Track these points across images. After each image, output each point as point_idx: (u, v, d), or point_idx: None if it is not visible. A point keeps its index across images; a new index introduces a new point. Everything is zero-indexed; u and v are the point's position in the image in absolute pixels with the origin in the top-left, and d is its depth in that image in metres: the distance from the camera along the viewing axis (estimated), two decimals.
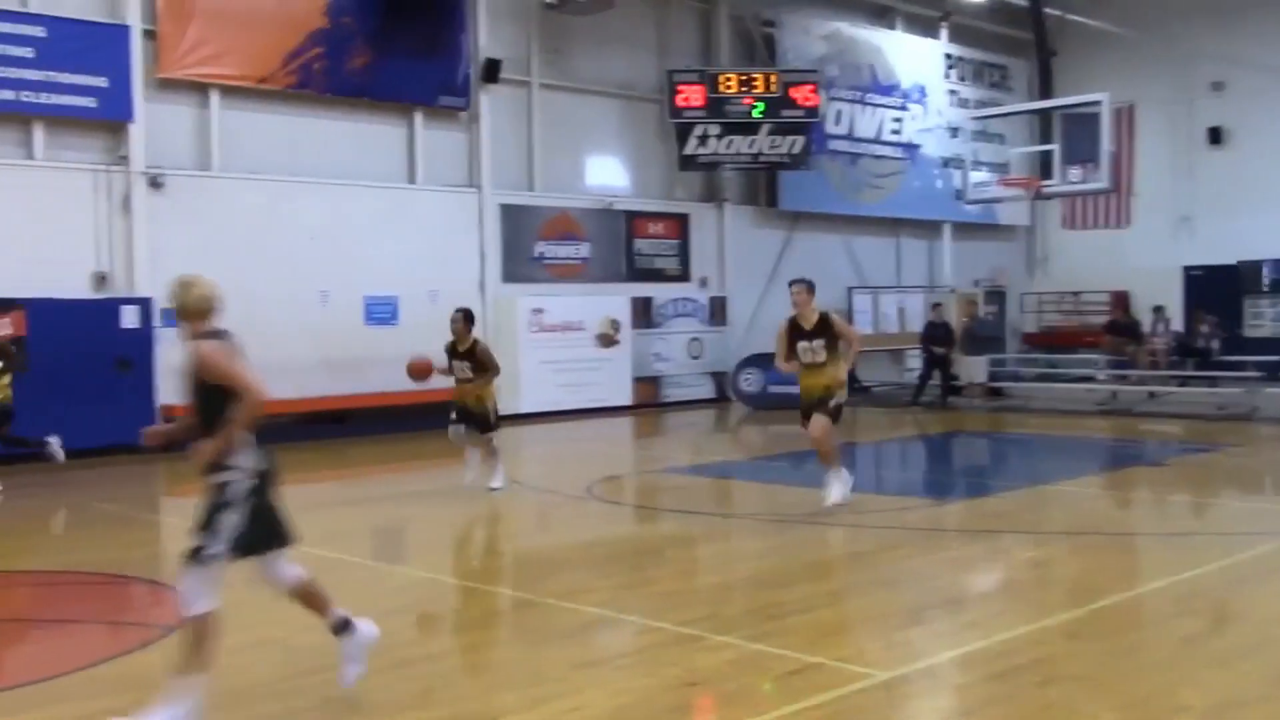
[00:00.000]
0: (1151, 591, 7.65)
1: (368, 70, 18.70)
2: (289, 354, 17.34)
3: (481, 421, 11.83)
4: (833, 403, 10.26)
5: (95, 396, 15.66)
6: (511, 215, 20.82)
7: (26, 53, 15.61)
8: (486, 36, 20.25)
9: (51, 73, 15.79)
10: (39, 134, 15.94)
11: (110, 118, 16.38)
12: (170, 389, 16.38)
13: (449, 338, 11.96)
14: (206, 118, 17.43)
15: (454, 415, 11.90)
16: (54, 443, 13.69)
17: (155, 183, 16.70)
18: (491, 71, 20.04)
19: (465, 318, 11.80)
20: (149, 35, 16.76)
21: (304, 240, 18.09)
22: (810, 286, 10.54)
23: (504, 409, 19.87)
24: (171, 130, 17.07)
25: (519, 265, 20.96)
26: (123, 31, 16.42)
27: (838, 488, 10.27)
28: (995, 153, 26.34)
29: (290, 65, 17.99)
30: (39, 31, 15.75)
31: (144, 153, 16.63)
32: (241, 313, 17.30)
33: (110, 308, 16.08)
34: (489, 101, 20.35)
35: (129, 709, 5.38)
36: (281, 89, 18.00)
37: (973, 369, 21.86)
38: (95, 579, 8.48)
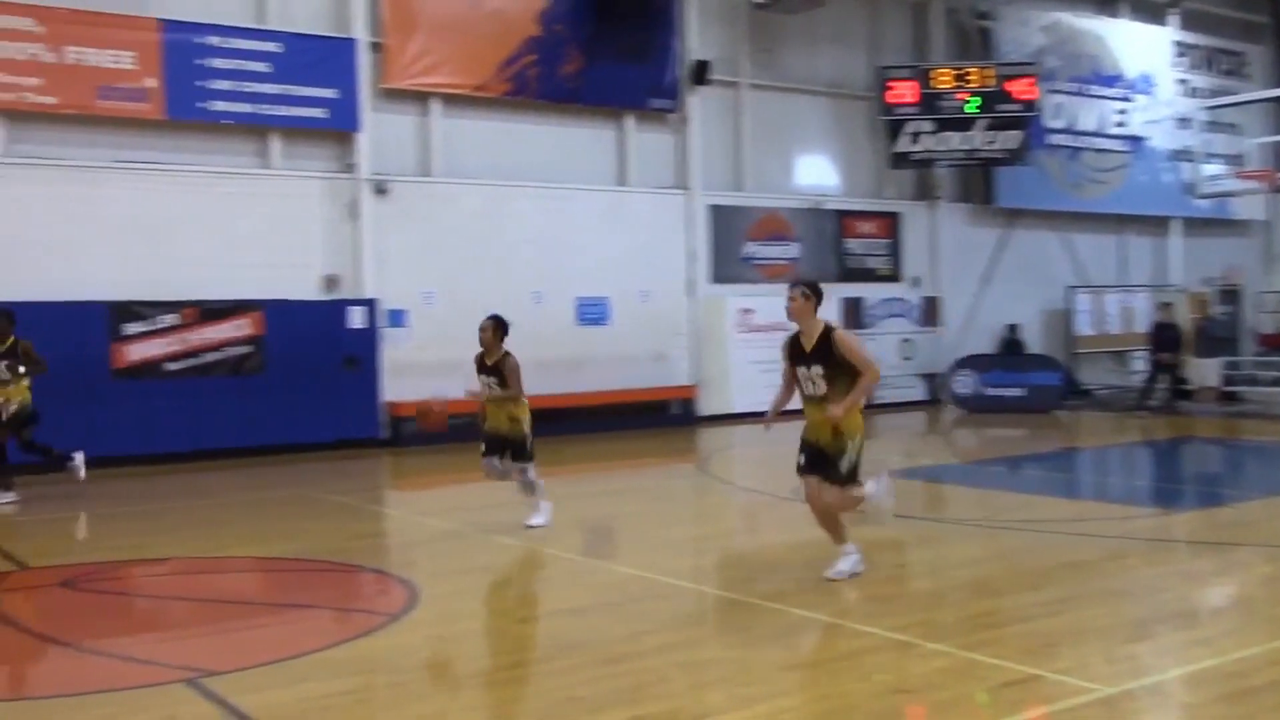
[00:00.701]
0: None
1: (579, 75, 19.08)
2: None
3: (517, 447, 9.96)
4: (844, 463, 7.41)
5: (325, 393, 16.51)
6: (720, 216, 20.90)
7: (264, 68, 16.55)
8: (696, 38, 20.38)
9: (287, 86, 16.69)
10: (275, 144, 16.87)
11: (339, 128, 17.20)
12: (395, 386, 17.18)
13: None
14: (427, 125, 18.11)
15: (484, 448, 10.05)
16: (77, 459, 12.53)
17: (380, 189, 17.45)
18: (700, 73, 20.16)
19: (496, 326, 10.01)
20: (374, 48, 17.53)
21: (519, 242, 18.61)
22: (809, 291, 7.45)
23: (713, 409, 20.23)
24: (395, 138, 17.80)
25: (728, 265, 21.02)
26: (351, 45, 17.22)
27: (846, 565, 7.79)
28: (1229, 144, 25.03)
29: (505, 73, 18.52)
30: (275, 47, 16.67)
31: (370, 160, 17.41)
32: (459, 313, 18.15)
33: (339, 309, 16.89)
34: (698, 103, 20.48)
35: (360, 690, 5.65)
36: (497, 96, 18.55)
37: (1204, 372, 20.75)
38: (325, 566, 8.93)
